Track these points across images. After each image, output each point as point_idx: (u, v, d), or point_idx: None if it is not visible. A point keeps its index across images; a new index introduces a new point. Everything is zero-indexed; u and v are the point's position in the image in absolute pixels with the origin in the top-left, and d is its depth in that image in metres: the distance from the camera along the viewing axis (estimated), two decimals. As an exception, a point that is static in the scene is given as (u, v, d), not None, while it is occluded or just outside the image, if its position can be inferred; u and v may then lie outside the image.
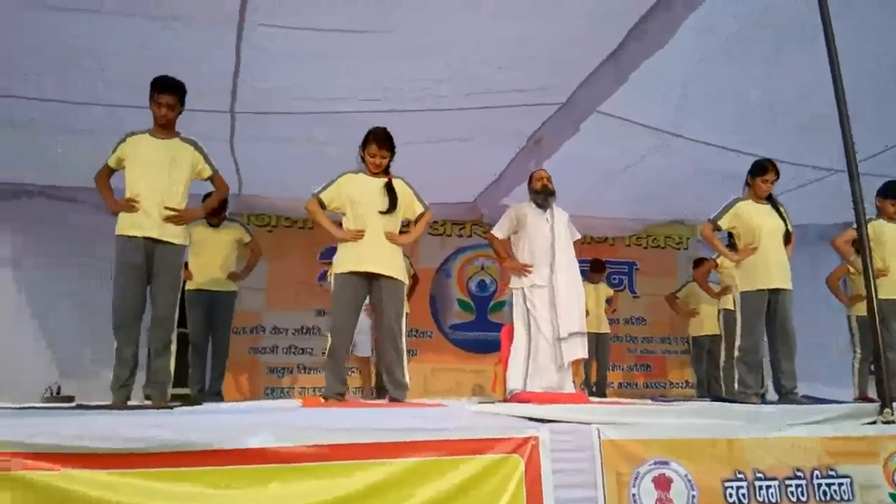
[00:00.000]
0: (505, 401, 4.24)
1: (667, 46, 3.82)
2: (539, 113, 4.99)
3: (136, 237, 3.42)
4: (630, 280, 8.19)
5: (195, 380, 4.87)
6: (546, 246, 4.41)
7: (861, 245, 3.03)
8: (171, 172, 3.54)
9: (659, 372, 8.00)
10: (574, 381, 4.50)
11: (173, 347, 3.53)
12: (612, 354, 7.18)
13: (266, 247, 6.25)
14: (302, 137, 5.14)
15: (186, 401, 4.20)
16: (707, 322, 6.57)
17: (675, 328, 7.65)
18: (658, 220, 7.62)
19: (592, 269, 6.94)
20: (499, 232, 4.61)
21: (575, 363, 4.63)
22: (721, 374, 5.95)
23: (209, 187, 3.93)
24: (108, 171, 3.60)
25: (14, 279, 6.11)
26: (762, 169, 4.40)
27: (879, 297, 4.42)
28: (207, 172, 3.74)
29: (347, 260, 3.67)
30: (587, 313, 6.22)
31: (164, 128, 3.59)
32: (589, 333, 5.97)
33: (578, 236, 4.71)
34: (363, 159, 3.83)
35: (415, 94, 4.58)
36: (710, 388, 6.44)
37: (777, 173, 4.39)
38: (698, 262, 6.72)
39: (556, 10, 3.72)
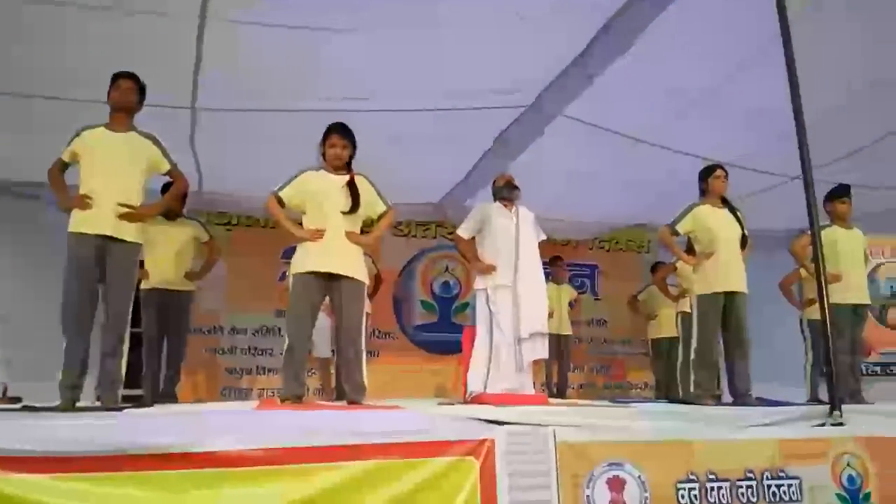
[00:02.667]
0: (465, 403, 4.24)
1: (632, 50, 3.85)
2: (506, 115, 4.99)
3: (88, 234, 3.32)
4: (593, 283, 8.27)
5: (149, 381, 4.76)
6: (510, 245, 4.42)
7: (815, 251, 3.09)
8: (127, 168, 3.46)
9: (618, 373, 8.10)
10: (534, 383, 4.53)
11: (125, 348, 3.44)
12: (573, 356, 7.25)
13: (226, 246, 6.16)
14: (264, 135, 5.07)
15: (138, 402, 4.11)
16: (665, 325, 6.68)
17: (636, 331, 7.71)
18: (621, 224, 7.69)
19: (550, 264, 6.90)
20: (464, 232, 4.60)
21: (536, 364, 4.66)
22: (678, 375, 6.04)
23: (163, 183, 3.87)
24: (61, 166, 3.50)
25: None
26: (710, 168, 4.54)
27: (832, 302, 4.59)
28: (165, 167, 3.66)
29: (306, 260, 3.62)
30: (550, 314, 6.30)
31: (122, 119, 3.51)
32: (551, 335, 6.02)
33: (544, 237, 4.73)
34: (324, 156, 3.79)
35: (381, 94, 4.55)
36: (668, 390, 6.53)
37: (725, 171, 4.47)
38: (656, 266, 6.82)
39: (525, 13, 3.72)
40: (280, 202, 3.71)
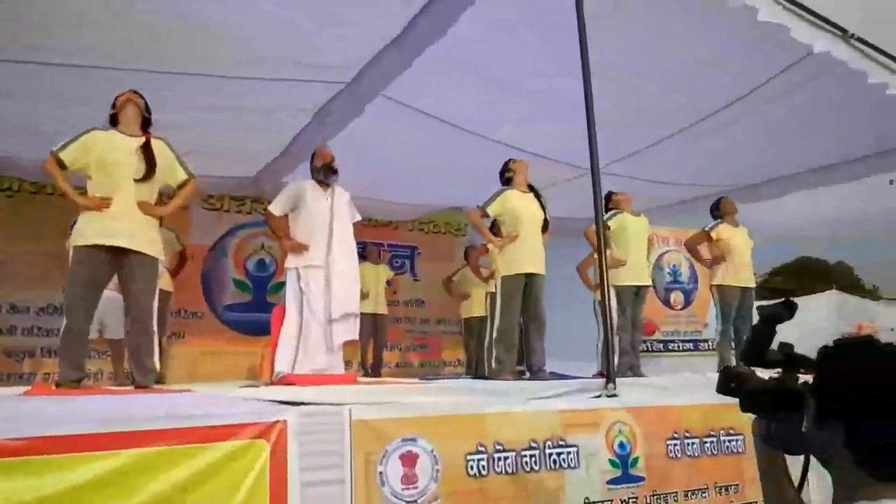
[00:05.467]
0: (271, 384, 4.12)
1: (448, 35, 3.89)
2: (325, 90, 4.87)
3: None
4: (412, 263, 8.40)
5: None
6: (324, 225, 4.34)
7: (598, 237, 3.34)
8: None
9: (434, 352, 8.32)
10: (351, 363, 4.49)
11: None
12: (390, 335, 7.34)
13: (4, 214, 5.47)
14: (53, 94, 4.54)
15: None
16: (477, 304, 6.98)
17: (452, 310, 7.94)
18: (439, 207, 7.88)
19: (366, 245, 6.98)
20: (276, 208, 4.44)
21: (352, 344, 4.63)
22: (485, 353, 6.32)
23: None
24: None
25: None
26: (505, 162, 4.86)
27: (619, 283, 5.04)
28: None
29: (90, 231, 3.27)
30: (367, 294, 6.31)
31: None
32: (367, 314, 6.04)
33: (359, 217, 4.69)
34: (115, 119, 3.45)
35: (193, 57, 4.24)
36: (478, 367, 6.82)
37: (524, 162, 4.83)
38: (470, 249, 7.10)
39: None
40: (61, 164, 3.32)
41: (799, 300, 1.43)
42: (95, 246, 3.27)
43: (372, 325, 6.63)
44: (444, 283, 7.57)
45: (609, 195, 5.48)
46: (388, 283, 7.17)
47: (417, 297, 8.29)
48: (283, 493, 2.30)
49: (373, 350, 6.88)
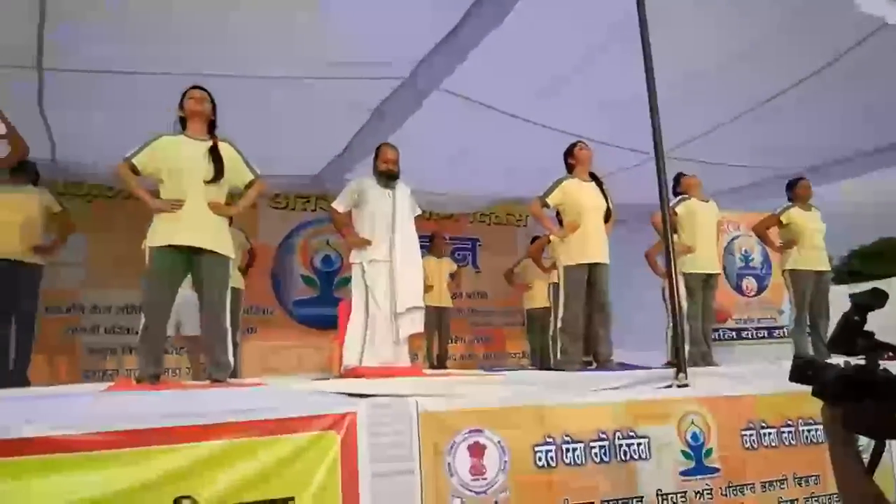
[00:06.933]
0: (340, 377, 4.20)
1: (505, 24, 3.86)
2: (382, 88, 4.91)
3: None
4: (473, 256, 8.40)
5: (-8, 363, 4.36)
6: (387, 220, 4.40)
7: (664, 224, 3.26)
8: None
9: (498, 343, 8.30)
10: (418, 355, 4.54)
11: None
12: (454, 328, 7.35)
13: (85, 219, 5.75)
14: (125, 101, 4.73)
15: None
16: (539, 295, 6.92)
17: (514, 301, 7.89)
18: (500, 198, 7.83)
19: (431, 238, 7.05)
20: (339, 205, 4.53)
21: (418, 337, 4.68)
22: (550, 343, 6.26)
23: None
24: None
25: None
26: (573, 145, 4.75)
27: (687, 271, 4.90)
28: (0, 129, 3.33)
29: (164, 232, 3.41)
30: (431, 288, 6.35)
31: None
32: (431, 307, 6.08)
33: (419, 211, 4.73)
34: (182, 122, 3.57)
35: (257, 62, 4.34)
36: (542, 358, 6.78)
37: (588, 146, 4.69)
38: (535, 239, 7.04)
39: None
40: (134, 170, 3.46)
41: (881, 283, 1.43)
42: (170, 246, 3.40)
43: (437, 318, 6.69)
44: (506, 274, 7.53)
45: (678, 177, 5.34)
46: (452, 276, 7.20)
47: (480, 290, 8.28)
48: (354, 483, 2.34)
49: (438, 342, 6.93)
